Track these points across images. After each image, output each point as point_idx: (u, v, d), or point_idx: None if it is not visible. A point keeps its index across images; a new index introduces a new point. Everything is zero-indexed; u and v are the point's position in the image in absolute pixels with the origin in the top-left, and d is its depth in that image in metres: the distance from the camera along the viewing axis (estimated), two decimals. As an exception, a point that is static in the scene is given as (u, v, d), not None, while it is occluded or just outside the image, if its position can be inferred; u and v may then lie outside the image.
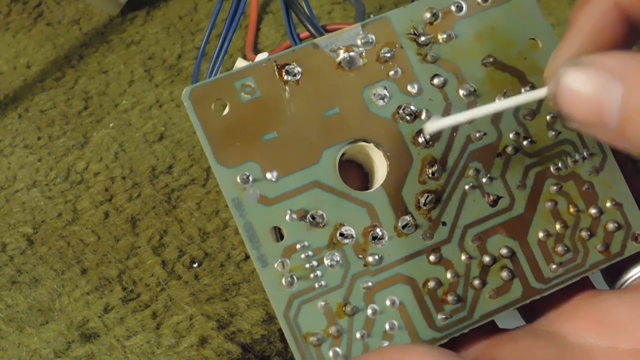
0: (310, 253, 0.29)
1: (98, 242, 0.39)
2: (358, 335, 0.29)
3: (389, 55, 0.30)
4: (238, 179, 0.28)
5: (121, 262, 0.38)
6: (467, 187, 0.30)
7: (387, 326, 0.29)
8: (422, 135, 0.30)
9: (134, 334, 0.35)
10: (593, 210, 0.31)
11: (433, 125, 0.29)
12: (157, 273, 0.38)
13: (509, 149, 0.31)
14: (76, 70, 0.46)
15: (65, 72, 0.46)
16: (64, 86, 0.46)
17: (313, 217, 0.29)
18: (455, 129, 0.30)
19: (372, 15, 0.46)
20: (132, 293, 0.37)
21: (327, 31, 0.37)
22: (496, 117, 0.31)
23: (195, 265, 0.38)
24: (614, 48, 0.27)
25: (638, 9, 0.27)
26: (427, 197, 0.30)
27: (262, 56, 0.41)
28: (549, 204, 0.31)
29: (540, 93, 0.27)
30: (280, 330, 0.36)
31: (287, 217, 0.29)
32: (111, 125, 0.44)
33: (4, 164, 0.42)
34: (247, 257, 0.38)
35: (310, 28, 0.33)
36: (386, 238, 0.29)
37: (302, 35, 0.41)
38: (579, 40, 0.27)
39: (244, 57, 0.44)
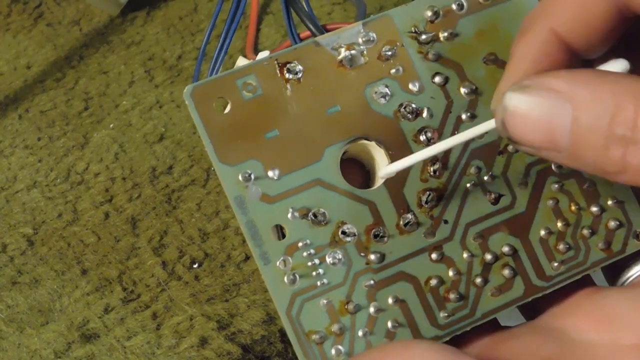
0: (312, 251, 0.29)
1: (98, 242, 0.39)
2: (360, 333, 0.29)
3: (390, 53, 0.30)
4: (240, 177, 0.28)
5: (121, 263, 0.38)
6: (468, 185, 0.30)
7: (389, 324, 0.29)
8: (423, 134, 0.30)
9: (134, 334, 0.35)
10: (594, 208, 0.31)
11: (388, 169, 0.29)
12: (158, 274, 0.38)
13: (511, 147, 0.31)
14: (76, 71, 0.46)
15: (65, 72, 0.46)
16: (64, 87, 0.46)
17: (315, 215, 0.29)
18: (456, 127, 0.30)
19: (372, 16, 0.46)
20: (132, 294, 0.37)
21: (327, 31, 0.37)
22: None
23: (195, 266, 0.38)
24: None
25: (574, 36, 0.27)
26: (429, 195, 0.30)
27: (263, 54, 0.41)
28: (550, 202, 0.31)
29: (489, 125, 0.28)
30: (280, 330, 0.36)
31: (289, 215, 0.29)
32: (111, 125, 0.44)
33: (4, 164, 0.42)
34: (247, 257, 0.38)
35: (311, 26, 0.33)
36: (388, 236, 0.29)
37: (302, 36, 0.41)
38: (521, 69, 0.27)
39: (244, 57, 0.44)
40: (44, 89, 0.46)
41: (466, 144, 0.30)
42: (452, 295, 0.30)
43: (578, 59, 0.28)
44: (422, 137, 0.30)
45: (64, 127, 0.44)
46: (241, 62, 0.42)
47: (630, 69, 0.27)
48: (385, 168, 0.29)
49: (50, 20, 0.49)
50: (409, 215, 0.30)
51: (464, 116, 0.30)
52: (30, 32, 0.49)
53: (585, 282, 0.31)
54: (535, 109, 0.25)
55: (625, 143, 0.24)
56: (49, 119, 0.44)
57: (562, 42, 0.27)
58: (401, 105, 0.30)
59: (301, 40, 0.40)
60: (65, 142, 0.43)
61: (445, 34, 0.31)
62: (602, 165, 0.24)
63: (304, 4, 0.37)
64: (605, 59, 0.28)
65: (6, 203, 0.40)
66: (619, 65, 0.27)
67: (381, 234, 0.29)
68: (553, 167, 0.31)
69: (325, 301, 0.29)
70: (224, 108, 0.29)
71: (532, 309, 0.31)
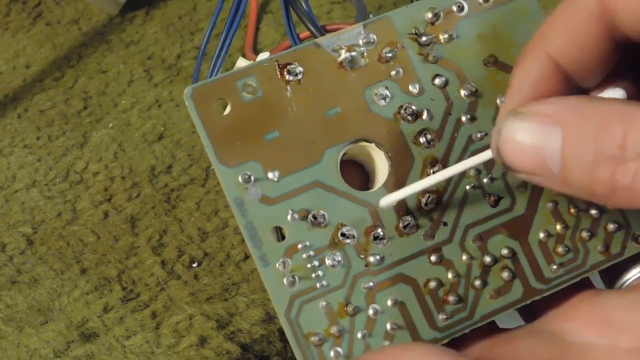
0: (311, 253, 0.29)
1: (97, 242, 0.39)
2: (359, 335, 0.29)
3: (390, 55, 0.30)
4: (240, 179, 0.28)
5: (121, 262, 0.38)
6: (468, 187, 0.30)
7: (388, 326, 0.29)
8: (422, 136, 0.30)
9: (134, 333, 0.36)
10: (593, 211, 0.31)
11: (387, 199, 0.29)
12: (157, 273, 0.38)
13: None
14: (75, 70, 0.46)
15: (64, 72, 0.46)
16: (63, 86, 0.46)
17: (314, 217, 0.29)
18: (456, 129, 0.30)
19: (371, 15, 0.46)
20: (131, 293, 0.37)
21: (327, 31, 0.37)
22: (497, 117, 0.31)
23: (194, 265, 0.38)
24: None
25: (569, 62, 0.27)
26: (429, 197, 0.30)
27: (263, 56, 0.41)
28: (549, 205, 0.31)
29: (486, 155, 0.28)
30: (279, 329, 0.36)
31: (289, 217, 0.29)
32: (110, 125, 0.44)
33: (3, 164, 0.42)
34: (247, 256, 0.38)
35: (311, 27, 0.33)
36: (387, 238, 0.29)
37: (301, 36, 0.41)
38: (520, 96, 0.28)
39: (244, 57, 0.44)
40: (43, 88, 0.46)
41: (466, 146, 0.30)
42: (451, 298, 0.30)
43: (576, 86, 0.28)
44: (422, 139, 0.30)
45: (63, 127, 0.44)
46: (241, 63, 0.42)
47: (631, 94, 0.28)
48: (385, 198, 0.29)
49: (49, 20, 0.49)
50: (409, 218, 0.30)
51: (463, 118, 0.31)
52: (29, 32, 0.49)
53: (584, 285, 0.31)
54: (527, 134, 0.25)
55: (614, 163, 0.24)
56: (48, 119, 0.44)
57: (558, 69, 0.28)
58: (401, 107, 0.30)
59: (300, 40, 0.40)
60: (65, 141, 0.43)
61: (445, 36, 0.31)
62: (592, 186, 0.25)
63: (303, 3, 0.37)
64: (603, 87, 0.28)
65: (5, 202, 0.40)
66: (616, 93, 0.27)
67: (380, 236, 0.29)
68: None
69: (324, 303, 0.29)
70: (224, 109, 0.29)
71: (531, 312, 0.31)
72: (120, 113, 0.44)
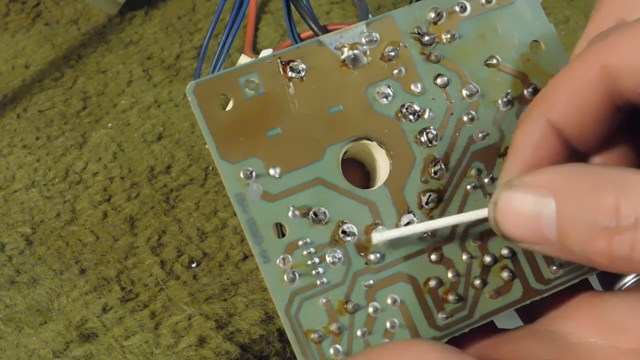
0: (312, 250, 0.29)
1: (97, 242, 0.39)
2: (359, 332, 0.29)
3: (393, 54, 0.30)
4: (241, 175, 0.28)
5: (120, 262, 0.38)
6: (469, 187, 0.30)
7: (388, 324, 0.29)
8: (424, 135, 0.30)
9: (133, 334, 0.35)
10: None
11: (380, 236, 0.29)
12: (156, 273, 0.38)
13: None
14: (75, 70, 0.46)
15: (63, 72, 0.46)
16: (63, 86, 0.46)
17: (315, 214, 0.29)
18: (457, 129, 0.30)
19: (370, 15, 0.46)
20: (130, 293, 0.37)
21: (328, 31, 0.37)
22: (498, 118, 0.31)
23: (193, 265, 0.38)
24: (554, 162, 0.28)
25: (568, 127, 0.27)
26: (429, 196, 0.30)
27: (266, 52, 0.41)
28: (550, 204, 0.31)
29: (481, 213, 0.28)
30: (278, 330, 0.36)
31: (290, 214, 0.29)
32: (110, 125, 0.44)
33: (2, 164, 0.42)
34: (246, 257, 0.38)
35: (313, 25, 0.33)
36: (388, 236, 0.29)
37: (302, 36, 0.41)
38: (520, 159, 0.28)
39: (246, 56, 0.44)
40: (42, 88, 0.46)
41: (467, 146, 0.30)
42: (450, 297, 0.30)
43: (575, 150, 0.28)
44: (423, 138, 0.30)
45: (62, 127, 0.44)
46: (243, 60, 0.42)
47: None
48: (379, 234, 0.29)
49: (48, 20, 0.49)
50: (409, 216, 0.30)
51: (465, 118, 0.31)
52: (29, 32, 0.49)
53: (584, 287, 0.31)
54: (523, 206, 0.25)
55: (610, 233, 0.24)
56: (47, 119, 0.44)
57: (558, 133, 0.27)
58: (403, 105, 0.30)
59: (301, 39, 0.40)
60: (64, 141, 0.43)
61: (448, 36, 0.31)
62: (590, 256, 0.24)
63: (304, 1, 0.37)
64: (602, 149, 0.28)
65: (4, 202, 0.40)
66: None
67: (381, 234, 0.29)
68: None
69: (324, 300, 0.29)
70: (226, 105, 0.29)
71: (530, 312, 0.31)
72: (119, 113, 0.44)
